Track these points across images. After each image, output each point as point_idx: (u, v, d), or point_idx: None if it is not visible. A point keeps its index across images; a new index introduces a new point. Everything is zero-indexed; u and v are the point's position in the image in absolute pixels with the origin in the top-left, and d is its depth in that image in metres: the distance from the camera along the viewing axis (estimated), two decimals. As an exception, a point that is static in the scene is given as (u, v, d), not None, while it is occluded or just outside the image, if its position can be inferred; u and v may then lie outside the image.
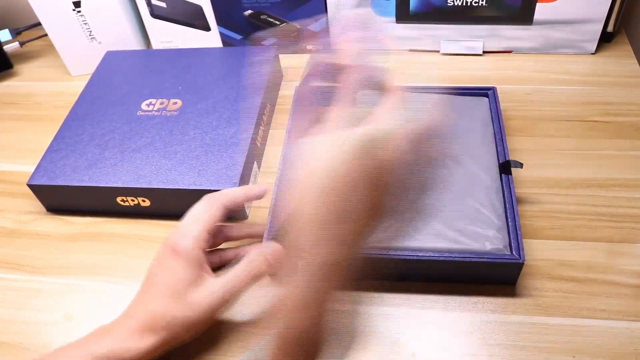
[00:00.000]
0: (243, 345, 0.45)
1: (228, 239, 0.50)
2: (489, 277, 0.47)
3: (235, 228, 0.50)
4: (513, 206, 0.48)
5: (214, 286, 0.42)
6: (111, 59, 0.71)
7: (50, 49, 0.80)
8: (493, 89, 0.59)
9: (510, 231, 0.47)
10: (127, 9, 0.75)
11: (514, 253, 0.46)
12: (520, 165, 0.51)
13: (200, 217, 0.44)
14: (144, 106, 0.63)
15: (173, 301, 0.40)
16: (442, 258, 0.45)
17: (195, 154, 0.56)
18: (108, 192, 0.55)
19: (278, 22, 0.74)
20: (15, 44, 0.80)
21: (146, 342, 0.39)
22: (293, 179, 0.30)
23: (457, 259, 0.45)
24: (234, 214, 0.54)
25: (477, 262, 0.45)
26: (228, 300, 0.42)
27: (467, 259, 0.45)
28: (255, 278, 0.43)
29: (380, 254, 0.46)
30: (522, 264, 0.45)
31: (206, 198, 0.46)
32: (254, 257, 0.43)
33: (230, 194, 0.46)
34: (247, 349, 0.37)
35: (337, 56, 0.35)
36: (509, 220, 0.48)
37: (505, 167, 0.51)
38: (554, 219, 0.53)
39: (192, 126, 0.59)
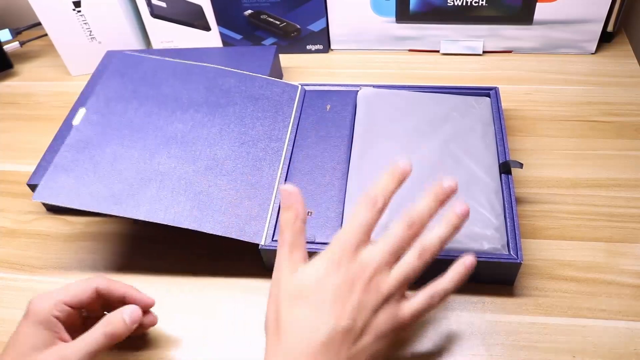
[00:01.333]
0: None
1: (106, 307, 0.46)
2: (486, 276, 0.47)
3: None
4: (512, 206, 0.48)
5: (64, 350, 0.39)
6: (111, 59, 0.71)
7: (50, 48, 0.80)
8: (495, 89, 0.59)
9: (509, 231, 0.47)
10: (127, 9, 0.75)
11: (511, 253, 0.46)
12: (520, 165, 0.51)
13: (70, 287, 0.42)
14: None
15: None
16: (439, 257, 0.45)
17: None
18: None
19: (278, 22, 0.74)
20: (16, 44, 0.80)
21: None
22: None
23: (454, 258, 0.45)
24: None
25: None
26: None
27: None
28: (112, 339, 0.41)
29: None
30: (520, 264, 0.45)
31: (88, 278, 0.44)
32: (111, 318, 0.41)
33: (114, 284, 0.44)
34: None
35: None
36: (508, 220, 0.48)
37: (505, 167, 0.51)
38: (554, 219, 0.53)
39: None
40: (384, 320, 0.37)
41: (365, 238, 0.37)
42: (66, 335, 0.41)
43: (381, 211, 0.38)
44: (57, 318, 0.41)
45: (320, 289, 0.36)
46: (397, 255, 0.37)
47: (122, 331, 0.41)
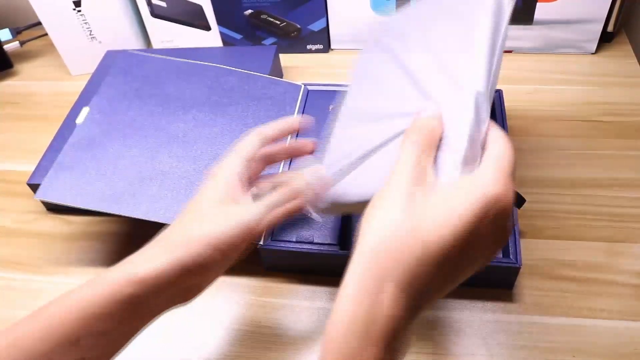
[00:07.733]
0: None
1: (271, 160, 0.46)
2: (485, 280, 0.47)
3: (276, 147, 0.46)
4: (512, 209, 0.48)
5: (247, 204, 0.39)
6: (111, 58, 0.71)
7: (50, 48, 0.80)
8: (499, 91, 0.59)
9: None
10: (128, 9, 0.75)
11: (510, 257, 0.46)
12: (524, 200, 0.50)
13: (238, 147, 0.42)
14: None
15: (194, 216, 0.38)
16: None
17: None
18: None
19: (278, 22, 0.74)
20: (16, 44, 0.80)
21: (162, 260, 0.36)
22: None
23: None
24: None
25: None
26: (261, 221, 0.39)
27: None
28: (295, 201, 0.41)
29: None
30: (519, 268, 0.45)
31: (247, 132, 0.44)
32: (297, 181, 0.41)
33: (270, 124, 0.45)
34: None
35: None
36: (508, 221, 0.48)
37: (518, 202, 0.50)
38: (554, 219, 0.53)
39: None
40: None
41: None
42: (248, 193, 0.41)
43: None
44: (238, 175, 0.41)
45: None
46: None
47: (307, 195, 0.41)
